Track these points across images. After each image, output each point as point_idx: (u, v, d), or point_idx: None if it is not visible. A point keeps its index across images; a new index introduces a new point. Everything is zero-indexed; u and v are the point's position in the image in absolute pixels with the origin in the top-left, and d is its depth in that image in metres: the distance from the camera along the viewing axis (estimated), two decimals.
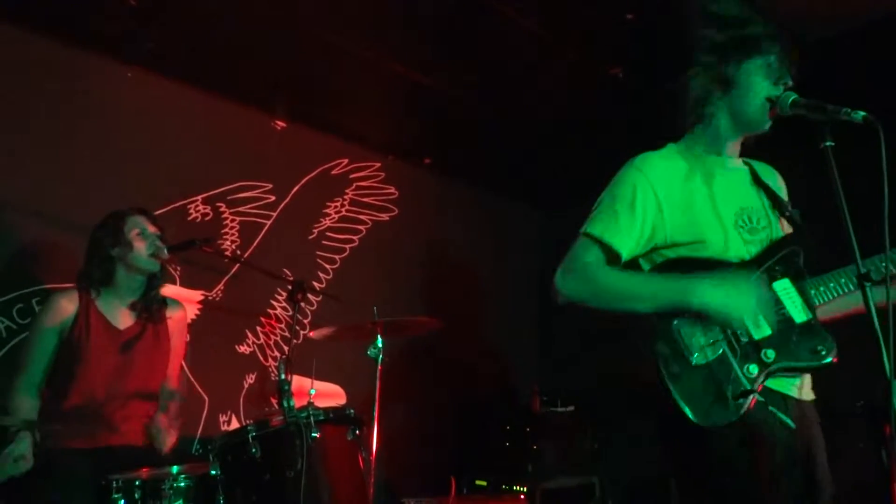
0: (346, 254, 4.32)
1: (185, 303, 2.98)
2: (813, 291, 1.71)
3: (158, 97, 3.63)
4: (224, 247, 3.76)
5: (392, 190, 4.62)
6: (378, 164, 4.57)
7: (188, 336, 3.00)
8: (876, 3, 3.15)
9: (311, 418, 2.20)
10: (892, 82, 3.35)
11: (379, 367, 2.86)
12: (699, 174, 1.79)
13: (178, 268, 3.56)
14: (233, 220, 3.86)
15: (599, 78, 3.76)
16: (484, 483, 3.96)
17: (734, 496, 1.60)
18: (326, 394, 3.79)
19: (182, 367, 2.82)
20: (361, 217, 4.45)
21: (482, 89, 3.93)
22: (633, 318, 1.71)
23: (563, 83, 3.84)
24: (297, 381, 3.18)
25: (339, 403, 3.57)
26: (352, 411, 2.40)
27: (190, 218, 3.69)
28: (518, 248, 5.17)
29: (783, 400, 1.66)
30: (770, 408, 1.59)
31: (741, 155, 1.91)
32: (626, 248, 1.74)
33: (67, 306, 2.57)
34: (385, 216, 4.56)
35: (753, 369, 1.62)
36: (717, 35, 1.78)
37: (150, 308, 2.72)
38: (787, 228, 1.84)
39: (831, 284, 1.72)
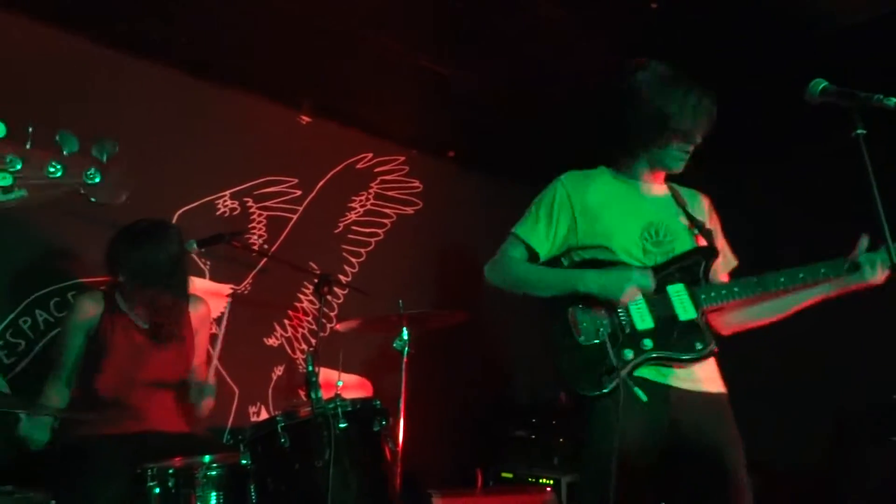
0: (371, 247, 4.35)
1: (214, 296, 3.03)
2: (703, 296, 1.97)
3: (185, 94, 3.67)
4: (252, 241, 3.81)
5: (416, 183, 4.63)
6: (402, 158, 4.58)
7: (214, 329, 3.05)
8: None
9: (339, 409, 2.24)
10: None
11: (405, 360, 2.89)
12: (617, 192, 2.13)
13: (207, 262, 3.61)
14: (260, 215, 3.91)
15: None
16: (510, 475, 3.96)
17: (591, 457, 1.92)
18: (353, 386, 3.82)
19: (211, 359, 2.86)
20: (386, 211, 4.47)
21: (506, 81, 3.92)
22: (543, 303, 2.07)
23: (588, 74, 3.81)
24: (325, 374, 3.23)
25: (365, 395, 3.61)
26: (378, 403, 2.43)
27: (218, 213, 3.75)
28: None
29: (665, 389, 1.92)
30: (631, 386, 1.85)
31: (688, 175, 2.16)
32: (542, 248, 2.12)
33: (92, 308, 2.67)
34: (410, 210, 4.58)
35: (629, 354, 1.93)
36: (642, 113, 2.07)
37: (171, 303, 2.76)
38: (705, 243, 2.09)
39: (723, 291, 1.98)
